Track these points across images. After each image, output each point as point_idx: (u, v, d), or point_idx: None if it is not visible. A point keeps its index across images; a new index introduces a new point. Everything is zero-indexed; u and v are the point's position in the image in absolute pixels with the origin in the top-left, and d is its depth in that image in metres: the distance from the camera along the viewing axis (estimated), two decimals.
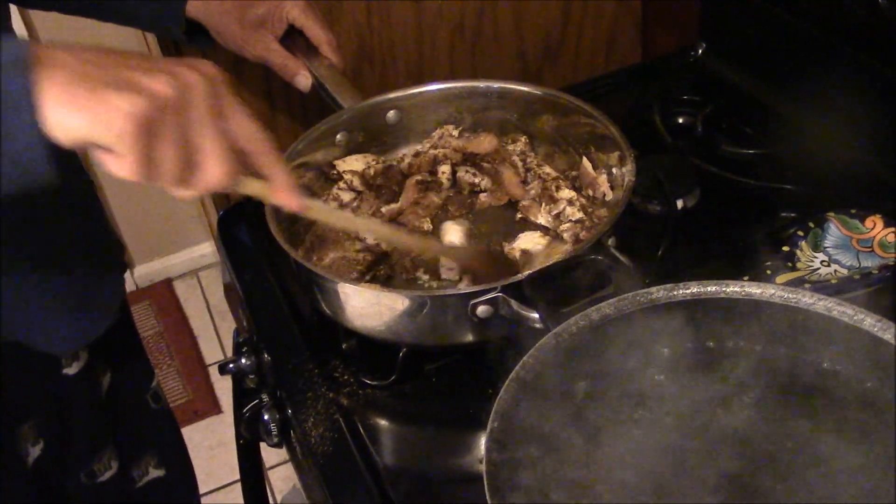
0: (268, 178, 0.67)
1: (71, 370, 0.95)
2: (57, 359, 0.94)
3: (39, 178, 0.58)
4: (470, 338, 0.85)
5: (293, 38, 1.06)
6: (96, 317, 0.93)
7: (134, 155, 0.57)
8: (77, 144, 0.57)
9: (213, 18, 1.03)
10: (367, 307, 0.86)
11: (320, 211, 0.88)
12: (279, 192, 0.68)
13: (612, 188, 0.98)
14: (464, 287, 0.91)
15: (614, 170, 0.97)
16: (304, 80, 1.05)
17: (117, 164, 0.58)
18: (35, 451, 0.94)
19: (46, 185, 0.59)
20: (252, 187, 0.67)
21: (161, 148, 0.58)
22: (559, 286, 0.83)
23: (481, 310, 0.81)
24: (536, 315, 0.79)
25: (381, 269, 0.96)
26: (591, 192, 1.00)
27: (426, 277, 0.95)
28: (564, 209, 0.98)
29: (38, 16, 2.02)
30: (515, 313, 0.80)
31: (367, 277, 0.95)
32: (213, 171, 0.61)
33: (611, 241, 0.86)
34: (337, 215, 0.94)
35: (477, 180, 1.04)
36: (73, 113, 0.55)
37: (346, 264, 0.95)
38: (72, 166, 0.92)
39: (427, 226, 1.01)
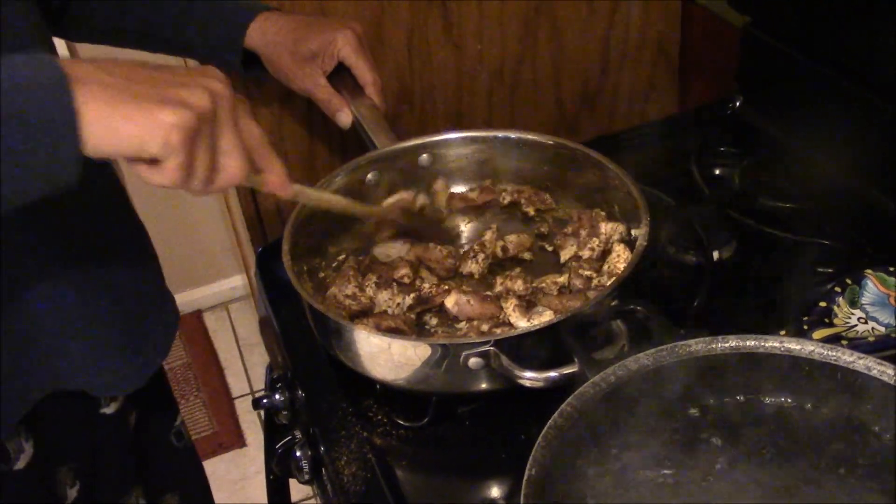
0: (264, 170, 0.73)
1: (108, 410, 0.96)
2: (97, 399, 0.95)
3: (64, 188, 0.61)
4: (475, 387, 0.85)
5: (341, 76, 1.09)
6: (149, 357, 0.95)
7: (177, 164, 0.62)
8: (115, 157, 0.61)
9: (267, 48, 1.06)
10: (369, 348, 0.87)
11: (310, 195, 0.93)
12: (274, 181, 0.74)
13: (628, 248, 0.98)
14: (455, 338, 0.91)
15: (633, 231, 0.98)
16: (344, 118, 1.08)
17: (157, 174, 0.63)
18: (73, 494, 0.95)
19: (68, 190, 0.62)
20: (252, 180, 0.73)
21: (198, 155, 0.63)
22: (594, 334, 0.83)
23: (472, 362, 0.82)
24: (527, 374, 0.80)
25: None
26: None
27: (434, 322, 0.96)
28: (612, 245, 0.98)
29: (83, 45, 2.06)
30: (506, 369, 0.81)
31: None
32: (233, 171, 0.67)
33: (614, 303, 0.85)
34: (327, 198, 0.97)
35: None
36: (124, 127, 0.59)
37: (335, 305, 0.96)
38: (126, 215, 0.96)
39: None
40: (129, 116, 0.59)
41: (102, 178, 0.91)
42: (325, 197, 0.97)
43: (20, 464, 0.88)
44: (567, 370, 0.79)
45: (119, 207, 0.95)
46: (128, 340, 0.91)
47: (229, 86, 0.66)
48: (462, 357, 0.82)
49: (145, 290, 0.96)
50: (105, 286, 0.89)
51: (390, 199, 1.06)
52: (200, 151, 0.63)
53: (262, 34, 1.05)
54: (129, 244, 0.95)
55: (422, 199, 1.08)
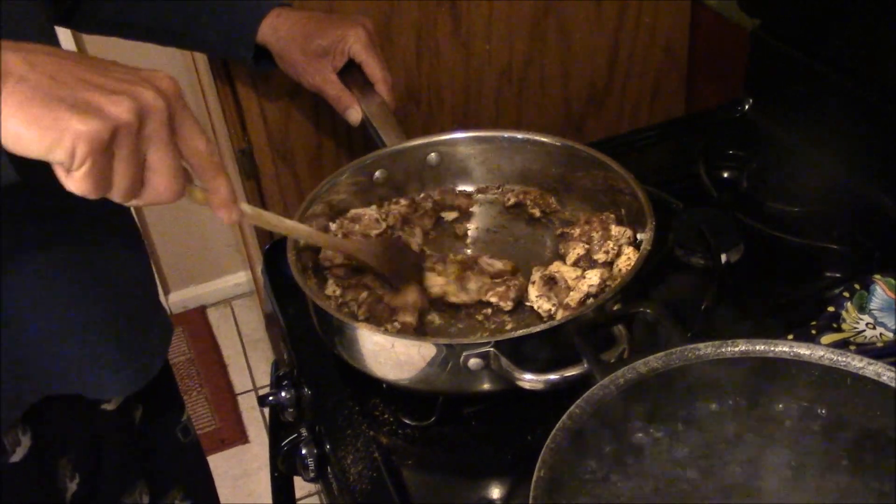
0: (209, 190, 0.68)
1: (109, 406, 0.96)
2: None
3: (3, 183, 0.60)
4: (477, 387, 0.85)
5: (351, 72, 1.09)
6: (147, 360, 0.94)
7: (85, 174, 0.58)
8: (31, 157, 0.58)
9: (278, 44, 1.06)
10: (371, 347, 0.87)
11: (258, 217, 0.83)
12: (218, 203, 0.69)
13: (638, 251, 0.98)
14: (456, 338, 0.91)
15: (639, 234, 0.97)
16: (354, 115, 1.08)
17: (70, 181, 0.59)
18: (72, 486, 0.94)
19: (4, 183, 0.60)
20: (195, 197, 0.69)
21: (116, 168, 0.59)
22: (603, 336, 0.83)
23: (472, 362, 0.82)
24: (527, 375, 0.80)
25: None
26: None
27: (437, 322, 0.96)
28: (622, 247, 0.97)
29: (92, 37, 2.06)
30: (505, 371, 0.81)
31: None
32: (162, 188, 0.63)
33: (616, 308, 0.85)
34: (275, 220, 0.87)
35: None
36: (29, 130, 0.56)
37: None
38: (125, 223, 0.94)
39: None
40: (36, 119, 0.56)
41: None
42: (287, 224, 0.88)
43: (16, 457, 0.87)
44: (568, 372, 0.79)
45: (118, 214, 0.93)
46: (125, 345, 0.90)
47: (173, 94, 0.62)
48: (462, 357, 0.82)
49: (141, 296, 0.95)
50: (100, 290, 0.87)
51: (372, 231, 1.04)
52: (120, 164, 0.59)
53: (274, 30, 1.05)
54: (126, 250, 0.93)
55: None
